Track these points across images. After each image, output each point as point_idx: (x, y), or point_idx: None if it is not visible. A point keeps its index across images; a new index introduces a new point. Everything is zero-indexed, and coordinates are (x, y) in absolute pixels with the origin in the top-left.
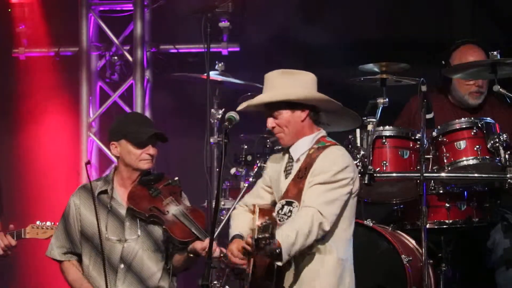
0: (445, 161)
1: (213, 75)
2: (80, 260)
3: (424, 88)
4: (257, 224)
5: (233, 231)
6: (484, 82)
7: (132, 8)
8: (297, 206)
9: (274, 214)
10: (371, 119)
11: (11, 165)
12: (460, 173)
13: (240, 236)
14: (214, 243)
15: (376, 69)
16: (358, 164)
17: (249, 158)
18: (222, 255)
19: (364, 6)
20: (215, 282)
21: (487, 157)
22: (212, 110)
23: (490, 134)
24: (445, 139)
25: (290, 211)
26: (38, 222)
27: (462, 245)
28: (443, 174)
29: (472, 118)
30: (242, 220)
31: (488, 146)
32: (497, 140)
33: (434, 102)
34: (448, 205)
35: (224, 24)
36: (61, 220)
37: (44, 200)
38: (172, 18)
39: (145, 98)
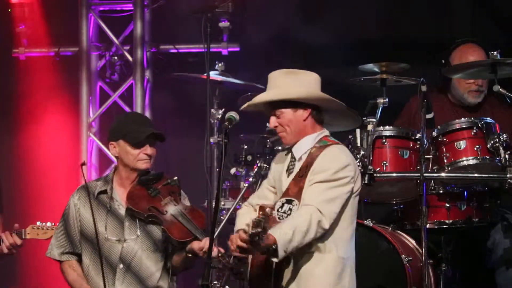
0: (445, 161)
1: (213, 75)
2: (80, 260)
3: (424, 88)
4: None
5: (237, 227)
6: (484, 81)
7: (132, 8)
8: (297, 205)
9: (274, 212)
10: (371, 119)
11: (11, 165)
12: (460, 173)
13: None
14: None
15: (376, 69)
16: (358, 164)
17: (249, 158)
18: (220, 254)
19: (364, 6)
20: (215, 282)
21: (487, 157)
22: (212, 110)
23: (490, 134)
24: (445, 139)
25: (290, 209)
26: (38, 223)
27: (462, 245)
28: (443, 174)
29: (472, 118)
30: (247, 218)
31: (488, 146)
32: (497, 140)
33: (434, 102)
34: (448, 205)
35: (224, 24)
36: (61, 220)
37: (44, 200)
38: (172, 18)
39: (145, 98)
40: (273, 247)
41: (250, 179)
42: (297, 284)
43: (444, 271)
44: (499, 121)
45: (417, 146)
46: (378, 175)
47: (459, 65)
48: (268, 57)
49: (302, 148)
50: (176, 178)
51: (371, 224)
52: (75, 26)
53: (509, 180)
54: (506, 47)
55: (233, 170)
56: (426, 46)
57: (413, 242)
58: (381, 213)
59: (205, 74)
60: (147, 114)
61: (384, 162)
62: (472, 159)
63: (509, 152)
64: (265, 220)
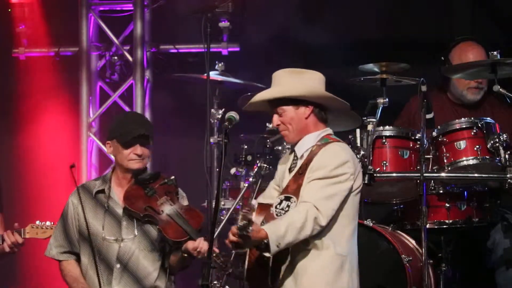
0: (445, 161)
1: (213, 75)
2: (79, 260)
3: (424, 88)
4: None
5: None
6: (484, 79)
7: (132, 8)
8: (295, 202)
9: (272, 208)
10: (371, 119)
11: (11, 165)
12: (460, 173)
13: None
14: (206, 243)
15: (376, 69)
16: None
17: (249, 158)
18: (214, 255)
19: (364, 6)
20: (215, 282)
21: (487, 157)
22: (212, 110)
23: (490, 134)
24: (445, 139)
25: (288, 206)
26: (37, 222)
27: (462, 245)
28: (443, 174)
29: (472, 118)
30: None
31: (488, 146)
32: (497, 140)
33: (434, 101)
34: (448, 205)
35: (224, 24)
36: (60, 220)
37: (44, 200)
38: (172, 18)
39: (145, 98)
40: (265, 241)
41: (250, 179)
42: (294, 280)
43: (444, 271)
44: (499, 121)
45: (417, 146)
46: (378, 175)
47: (459, 65)
48: (268, 57)
49: (304, 146)
50: (173, 177)
51: (371, 224)
52: (75, 26)
53: (509, 180)
54: (506, 47)
55: (233, 170)
56: (426, 46)
57: (413, 242)
58: (381, 213)
59: (205, 74)
60: (147, 114)
61: (384, 162)
62: (472, 159)
63: (509, 152)
64: (250, 212)
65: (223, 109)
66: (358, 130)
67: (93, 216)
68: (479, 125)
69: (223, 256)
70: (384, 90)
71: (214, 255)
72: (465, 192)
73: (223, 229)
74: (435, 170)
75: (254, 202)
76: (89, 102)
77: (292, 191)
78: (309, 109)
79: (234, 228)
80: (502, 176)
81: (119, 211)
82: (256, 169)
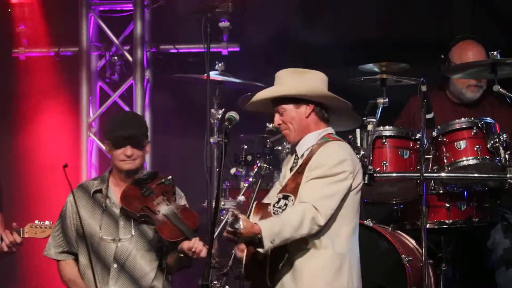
0: (445, 161)
1: (213, 75)
2: (77, 260)
3: (424, 88)
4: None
5: None
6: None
7: (132, 8)
8: (292, 200)
9: (270, 207)
10: (371, 119)
11: (11, 165)
12: (460, 173)
13: None
14: (201, 243)
15: (376, 69)
16: None
17: (249, 158)
18: None
19: (364, 6)
20: (215, 282)
21: (487, 157)
22: (212, 110)
23: (490, 134)
24: (445, 139)
25: (286, 204)
26: (36, 222)
27: (462, 245)
28: (443, 174)
29: (472, 118)
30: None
31: (488, 146)
32: (497, 140)
33: (433, 101)
34: (448, 205)
35: (224, 24)
36: (58, 220)
37: (44, 200)
38: (172, 18)
39: (145, 98)
40: (258, 236)
41: (250, 179)
42: (293, 279)
43: (444, 271)
44: (499, 121)
45: (417, 146)
46: (378, 175)
47: (459, 65)
48: (268, 57)
49: (304, 145)
50: (170, 177)
51: (371, 224)
52: (75, 26)
53: (509, 180)
54: (506, 47)
55: (233, 170)
56: (426, 46)
57: (413, 242)
58: (381, 213)
59: (205, 74)
60: (147, 114)
61: (384, 162)
62: (472, 159)
63: (509, 152)
64: (237, 208)
65: (223, 109)
66: (358, 130)
67: (90, 216)
68: (479, 125)
69: (218, 256)
70: (384, 90)
71: None
72: (465, 192)
73: (223, 229)
74: (435, 170)
75: (241, 198)
76: (89, 102)
77: (290, 190)
78: (310, 108)
79: (228, 227)
80: (502, 176)
81: (117, 211)
82: (256, 169)
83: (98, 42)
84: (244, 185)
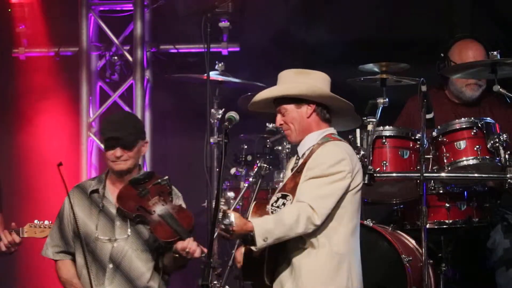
0: (445, 161)
1: (213, 75)
2: (75, 260)
3: (424, 88)
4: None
5: None
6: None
7: (132, 8)
8: (290, 200)
9: (268, 206)
10: (371, 119)
11: (11, 164)
12: (460, 173)
13: None
14: (195, 243)
15: (376, 69)
16: None
17: (249, 158)
18: (203, 255)
19: (364, 6)
20: (215, 282)
21: (487, 157)
22: (212, 110)
23: (490, 134)
24: (445, 139)
25: (284, 204)
26: (36, 221)
27: (462, 245)
28: (443, 174)
29: (472, 118)
30: None
31: (488, 146)
32: (497, 140)
33: (433, 101)
34: (448, 205)
35: (224, 24)
36: (56, 220)
37: (44, 200)
38: (172, 18)
39: (145, 98)
40: (251, 234)
41: (250, 179)
42: (292, 279)
43: (444, 271)
44: (499, 121)
45: (417, 146)
46: (378, 175)
47: (459, 65)
48: (268, 57)
49: (305, 145)
50: (166, 177)
51: (371, 224)
52: (75, 26)
53: (509, 180)
54: (506, 47)
55: (233, 170)
56: (426, 46)
57: (413, 242)
58: (381, 213)
59: (205, 74)
60: (147, 114)
61: (384, 162)
62: (472, 159)
63: (509, 152)
64: (225, 204)
65: (223, 109)
66: (358, 130)
67: (87, 216)
68: (479, 125)
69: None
70: (384, 90)
71: (203, 255)
72: (465, 192)
73: None
74: (435, 170)
75: (230, 194)
76: (89, 102)
77: (289, 189)
78: (311, 108)
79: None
80: (502, 176)
81: (113, 211)
82: (256, 169)
83: (98, 42)
84: (244, 185)
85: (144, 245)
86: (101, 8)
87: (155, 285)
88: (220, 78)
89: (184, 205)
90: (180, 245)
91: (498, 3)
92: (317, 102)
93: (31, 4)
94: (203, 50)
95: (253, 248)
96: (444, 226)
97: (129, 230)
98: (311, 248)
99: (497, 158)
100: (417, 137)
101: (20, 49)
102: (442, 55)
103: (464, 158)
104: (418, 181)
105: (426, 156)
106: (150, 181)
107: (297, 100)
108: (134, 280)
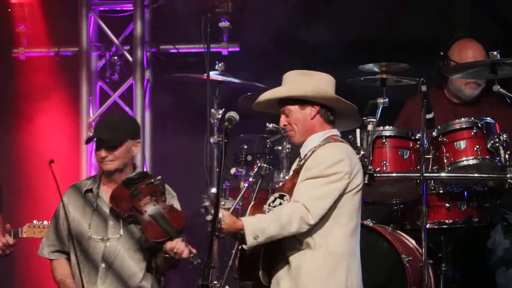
0: (445, 161)
1: (213, 75)
2: (70, 259)
3: (424, 88)
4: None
5: None
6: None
7: (132, 8)
8: (287, 200)
9: (265, 206)
10: (371, 119)
11: (11, 164)
12: (460, 173)
13: None
14: (183, 244)
15: (376, 69)
16: None
17: (249, 158)
18: (191, 255)
19: (364, 6)
20: (215, 282)
21: (487, 157)
22: (212, 110)
23: (490, 134)
24: (445, 139)
25: (280, 204)
26: (35, 221)
27: (462, 245)
28: (443, 174)
29: (472, 118)
30: None
31: (488, 146)
32: (497, 140)
33: (433, 101)
34: (448, 205)
35: (224, 24)
36: (53, 219)
37: (43, 200)
38: (172, 18)
39: (145, 98)
40: (241, 232)
41: (250, 179)
42: (290, 278)
43: (444, 271)
44: (499, 121)
45: (417, 146)
46: (378, 175)
47: (458, 65)
48: (268, 57)
49: (308, 147)
50: (159, 177)
51: (371, 224)
52: (75, 26)
53: (509, 180)
54: (506, 47)
55: (233, 170)
56: (426, 46)
57: (413, 242)
58: (381, 213)
59: (205, 74)
60: (147, 114)
61: (384, 162)
62: (472, 159)
63: (509, 152)
64: (207, 199)
65: (223, 109)
66: (358, 130)
67: (81, 215)
68: (479, 125)
69: (199, 256)
70: (384, 90)
71: (191, 255)
72: (465, 192)
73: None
74: (435, 170)
75: (213, 190)
76: (89, 102)
77: (286, 190)
78: (315, 109)
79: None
80: (502, 176)
81: (107, 210)
82: (256, 169)
83: (98, 42)
84: (244, 185)
85: (136, 245)
86: (101, 8)
87: (148, 285)
88: (220, 78)
89: (178, 205)
90: (168, 245)
91: (498, 3)
92: (321, 103)
93: (31, 4)
94: (203, 50)
95: (244, 246)
96: (444, 226)
97: (121, 230)
98: (307, 248)
99: (497, 158)
100: (417, 137)
101: (20, 49)
102: (441, 53)
103: (464, 158)
104: (418, 181)
105: (426, 156)
106: (143, 181)
107: (302, 101)
108: (127, 280)
